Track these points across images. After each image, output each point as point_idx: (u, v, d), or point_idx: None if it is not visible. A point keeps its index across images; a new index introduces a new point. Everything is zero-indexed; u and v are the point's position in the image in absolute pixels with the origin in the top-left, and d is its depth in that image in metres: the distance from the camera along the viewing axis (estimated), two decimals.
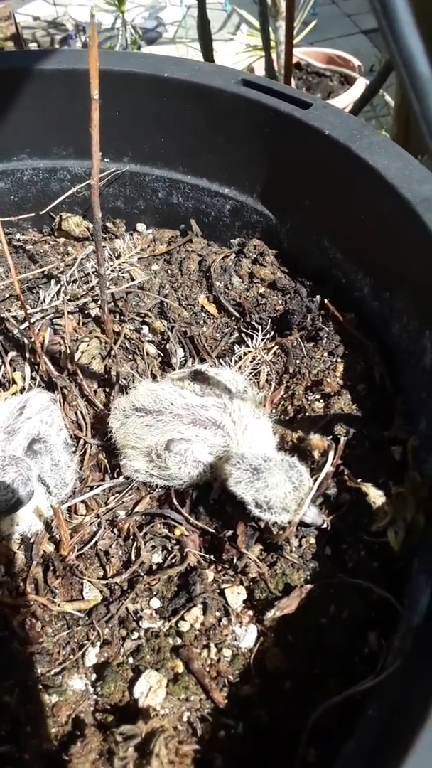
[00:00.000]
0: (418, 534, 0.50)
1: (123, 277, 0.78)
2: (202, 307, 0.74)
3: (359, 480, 0.53)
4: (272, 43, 2.86)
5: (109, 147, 0.77)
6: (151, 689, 0.48)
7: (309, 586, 0.51)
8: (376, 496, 0.51)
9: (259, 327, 0.69)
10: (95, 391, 0.70)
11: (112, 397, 0.68)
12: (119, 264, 0.79)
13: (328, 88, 3.79)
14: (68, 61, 0.77)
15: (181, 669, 0.49)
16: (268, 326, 0.69)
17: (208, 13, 2.16)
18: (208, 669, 0.49)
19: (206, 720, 0.47)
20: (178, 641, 0.51)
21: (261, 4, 2.35)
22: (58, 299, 0.75)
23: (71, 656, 0.51)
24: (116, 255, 0.80)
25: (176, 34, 6.08)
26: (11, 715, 0.47)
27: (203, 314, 0.74)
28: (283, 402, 0.64)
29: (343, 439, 0.56)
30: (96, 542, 0.59)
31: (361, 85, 3.57)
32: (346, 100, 3.49)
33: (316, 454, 0.54)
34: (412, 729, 0.33)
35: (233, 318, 0.73)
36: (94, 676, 0.50)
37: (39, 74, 0.76)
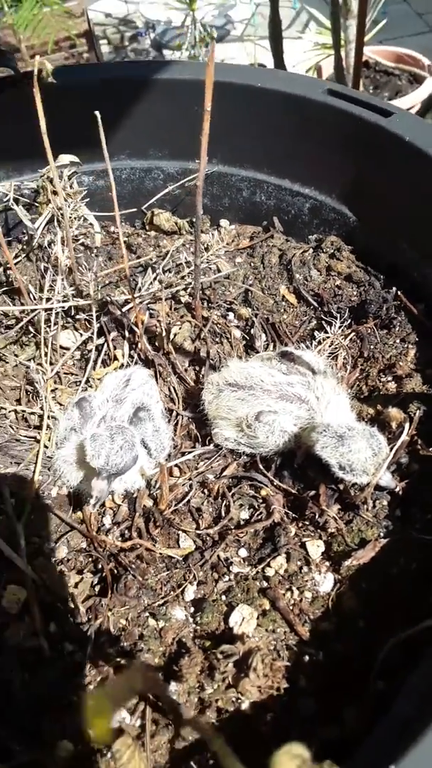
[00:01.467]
0: None
1: (210, 268, 0.86)
2: (283, 296, 0.82)
3: (430, 450, 0.59)
4: (342, 42, 2.88)
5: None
6: (244, 620, 0.56)
7: (382, 541, 0.58)
8: None
9: (337, 315, 0.77)
10: (186, 369, 0.78)
11: (202, 375, 0.76)
12: (207, 257, 0.86)
13: (396, 87, 3.79)
14: (169, 72, 0.85)
15: (268, 606, 0.57)
16: (345, 315, 0.77)
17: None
18: (291, 607, 0.57)
19: (291, 648, 0.54)
20: (265, 584, 0.59)
21: (333, 3, 2.39)
22: (153, 286, 0.84)
23: (172, 592, 0.59)
24: (205, 248, 0.88)
25: (245, 32, 6.11)
26: (129, 633, 0.56)
27: (284, 303, 0.81)
28: (358, 383, 0.71)
29: (417, 413, 0.63)
30: (189, 500, 0.67)
31: (430, 84, 3.56)
32: (414, 99, 3.49)
33: (393, 425, 0.62)
34: None
35: (312, 307, 0.80)
36: (192, 609, 0.58)
37: (142, 83, 0.85)
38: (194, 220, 0.89)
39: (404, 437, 0.59)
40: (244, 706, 0.51)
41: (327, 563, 0.59)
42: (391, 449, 0.59)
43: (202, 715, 0.51)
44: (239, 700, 0.51)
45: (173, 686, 0.51)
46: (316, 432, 0.60)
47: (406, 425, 0.60)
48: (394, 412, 0.62)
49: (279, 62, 2.13)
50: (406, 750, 0.36)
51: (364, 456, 0.57)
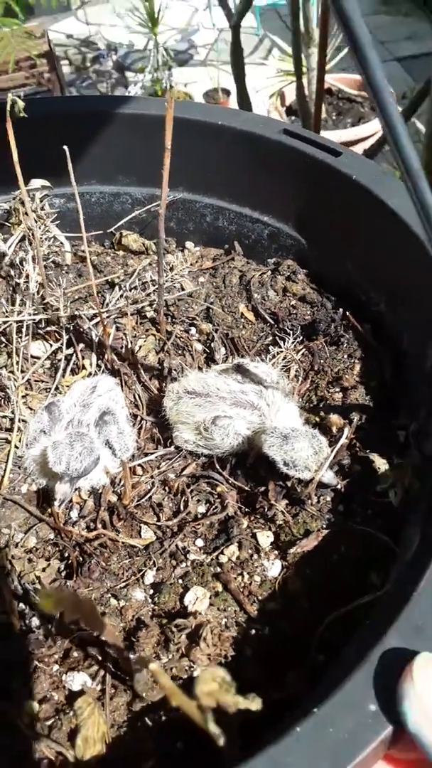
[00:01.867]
0: (413, 495, 0.64)
1: (175, 286, 0.92)
2: (242, 314, 0.89)
3: (367, 451, 0.67)
4: (304, 69, 3.01)
5: (169, 179, 0.92)
6: (197, 599, 0.61)
7: (324, 531, 0.65)
8: (380, 464, 0.65)
9: (290, 332, 0.84)
10: (150, 379, 0.84)
11: (164, 384, 0.82)
12: (172, 276, 0.93)
13: (358, 113, 3.95)
14: (135, 107, 0.92)
15: (220, 588, 0.63)
16: (298, 332, 0.84)
17: (241, 37, 2.28)
18: (242, 589, 0.63)
19: (240, 624, 0.60)
20: (218, 570, 0.65)
21: (294, 32, 2.49)
22: (120, 302, 0.90)
23: (133, 576, 0.65)
24: (170, 268, 0.94)
25: (207, 57, 6.28)
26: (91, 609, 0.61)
27: (243, 320, 0.88)
28: (308, 393, 0.78)
29: (356, 419, 0.70)
30: (150, 496, 0.73)
31: None
32: (376, 126, 3.65)
33: (334, 429, 0.69)
34: (386, 626, 0.46)
35: (268, 324, 0.87)
36: (151, 591, 0.64)
37: (109, 116, 0.92)
38: (158, 241, 0.97)
39: (343, 440, 0.66)
40: (196, 673, 0.57)
41: (275, 551, 0.65)
42: (332, 450, 0.65)
43: (157, 681, 0.56)
44: (191, 668, 0.57)
45: (132, 656, 0.57)
46: (265, 434, 0.67)
47: (346, 430, 0.67)
48: (335, 418, 0.69)
49: (241, 89, 2.22)
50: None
51: (306, 454, 0.64)
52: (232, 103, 5.03)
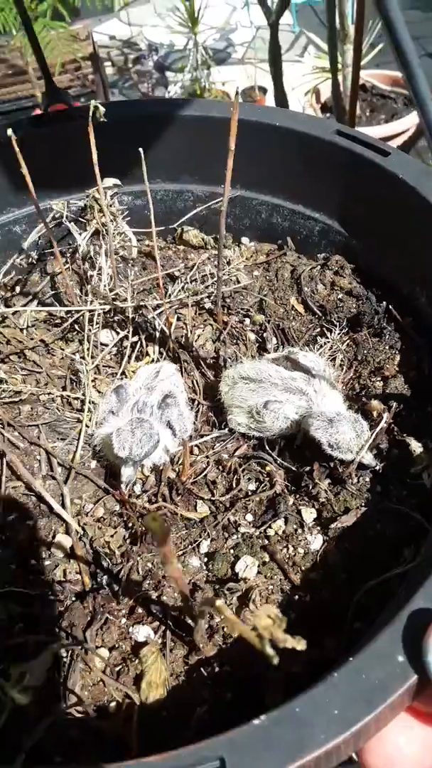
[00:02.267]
0: None
1: (231, 279, 0.99)
2: (293, 306, 0.95)
3: (405, 435, 0.72)
4: (339, 66, 3.01)
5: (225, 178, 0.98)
6: (247, 567, 0.69)
7: (363, 509, 0.71)
8: (416, 447, 0.70)
9: (337, 324, 0.89)
10: (207, 366, 0.91)
11: (220, 371, 0.89)
12: (228, 269, 1.00)
13: (392, 109, 3.92)
14: (199, 109, 0.98)
15: (267, 559, 0.70)
16: (344, 323, 0.90)
17: None
18: (287, 560, 0.70)
19: (284, 591, 0.67)
20: (266, 542, 0.72)
21: (330, 28, 2.50)
22: (181, 294, 0.97)
23: (190, 546, 0.73)
24: (227, 262, 1.01)
25: (245, 55, 6.27)
26: (154, 575, 0.69)
27: (293, 312, 0.94)
28: (352, 381, 0.84)
29: (394, 406, 0.75)
30: (206, 474, 0.80)
31: None
32: (409, 122, 3.62)
33: (374, 414, 0.75)
34: (414, 591, 0.52)
35: (317, 316, 0.93)
36: (206, 559, 0.72)
37: (175, 119, 0.99)
38: (218, 237, 1.03)
39: (382, 425, 0.72)
40: None
41: (318, 527, 0.72)
42: (372, 434, 0.72)
43: (211, 638, 0.64)
44: None
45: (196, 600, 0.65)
46: (311, 417, 0.73)
47: (385, 415, 0.73)
48: (375, 404, 0.75)
49: (278, 87, 2.25)
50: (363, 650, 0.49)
51: (349, 436, 0.70)
52: (269, 100, 5.03)
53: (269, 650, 0.40)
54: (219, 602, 0.43)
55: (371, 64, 4.19)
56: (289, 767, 0.45)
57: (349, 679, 0.48)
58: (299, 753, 0.45)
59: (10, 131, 0.74)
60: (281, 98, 2.30)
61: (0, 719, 0.55)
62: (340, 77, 2.98)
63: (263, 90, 5.25)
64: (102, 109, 0.81)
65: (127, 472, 0.77)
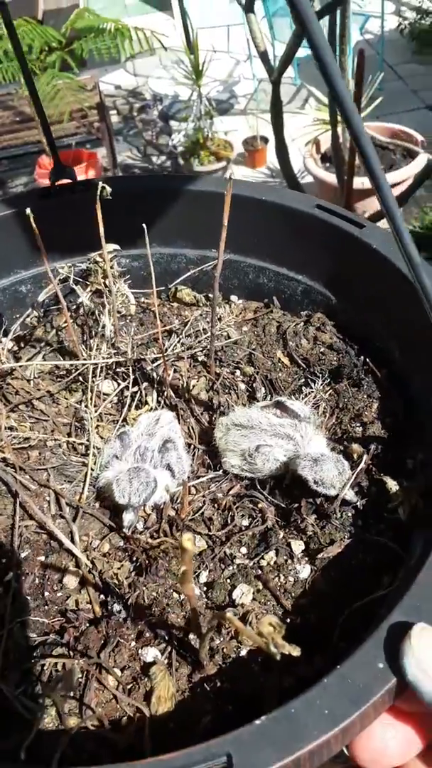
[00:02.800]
0: (418, 512, 0.78)
1: (222, 334, 1.09)
2: (279, 359, 1.04)
3: (383, 475, 0.81)
4: (339, 118, 3.20)
5: (216, 243, 1.09)
6: (243, 594, 0.76)
7: (346, 540, 0.79)
8: (392, 485, 0.79)
9: (320, 375, 0.99)
10: (201, 413, 1.00)
11: (214, 418, 0.98)
12: (220, 325, 1.09)
13: (391, 160, 4.13)
14: (193, 184, 1.09)
15: (261, 587, 0.78)
16: (326, 375, 0.99)
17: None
18: (278, 588, 0.77)
19: (277, 615, 0.75)
20: (259, 572, 0.79)
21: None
22: (177, 348, 1.07)
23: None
24: (218, 318, 1.11)
25: (248, 106, 6.55)
26: (159, 602, 0.76)
27: (280, 364, 1.04)
28: (334, 426, 0.93)
29: (372, 448, 0.84)
30: (203, 512, 0.88)
31: (422, 159, 3.88)
32: (407, 173, 3.82)
33: (355, 456, 0.83)
34: (391, 608, 0.60)
35: (301, 368, 1.02)
36: (205, 588, 0.79)
37: (171, 192, 1.09)
38: (210, 295, 1.13)
39: (362, 465, 0.81)
40: (243, 652, 0.71)
41: (306, 557, 0.80)
42: (353, 473, 0.80)
43: (212, 658, 0.71)
44: (239, 648, 0.72)
45: (191, 636, 0.72)
46: (299, 458, 0.82)
47: (364, 457, 0.82)
48: (355, 447, 0.84)
49: (279, 138, 2.41)
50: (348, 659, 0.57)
51: (332, 474, 0.79)
52: (270, 150, 5.26)
53: (272, 649, 0.48)
54: (229, 614, 0.51)
55: (371, 117, 4.42)
56: (287, 759, 0.52)
57: (337, 684, 0.55)
58: (295, 747, 0.52)
59: (28, 210, 0.84)
60: (282, 149, 2.44)
61: (31, 734, 0.62)
62: (339, 129, 3.17)
63: (264, 139, 5.47)
64: (108, 188, 0.91)
65: (128, 518, 0.84)
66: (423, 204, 4.21)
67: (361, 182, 3.78)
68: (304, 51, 5.36)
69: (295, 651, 0.53)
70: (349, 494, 0.80)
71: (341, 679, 0.56)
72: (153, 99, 6.60)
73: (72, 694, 0.69)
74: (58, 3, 6.81)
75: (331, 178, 3.33)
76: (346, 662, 0.57)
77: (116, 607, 0.75)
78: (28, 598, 0.78)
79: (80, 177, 1.18)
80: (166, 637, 0.73)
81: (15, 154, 5.85)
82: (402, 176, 3.74)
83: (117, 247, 1.11)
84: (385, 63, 6.40)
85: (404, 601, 0.60)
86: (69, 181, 1.08)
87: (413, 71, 6.58)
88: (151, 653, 0.71)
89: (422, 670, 0.55)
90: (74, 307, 1.12)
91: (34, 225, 0.86)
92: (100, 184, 0.89)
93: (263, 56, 2.22)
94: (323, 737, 0.53)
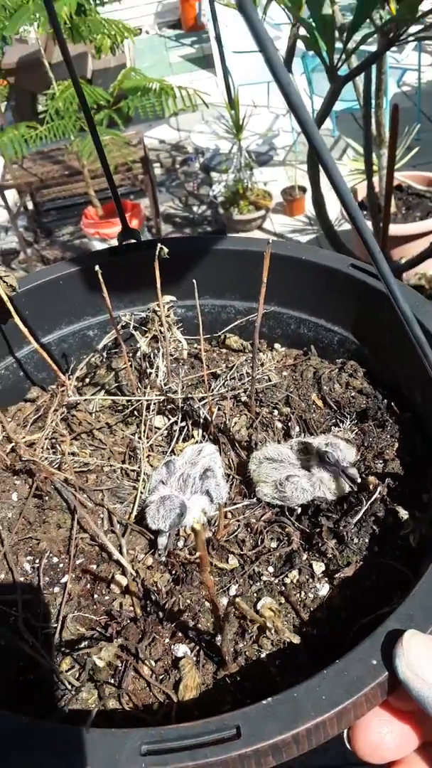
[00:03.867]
0: (428, 540, 0.87)
1: (264, 378, 1.20)
2: (313, 401, 1.15)
3: (396, 505, 0.90)
4: (375, 168, 3.34)
5: (264, 296, 1.22)
6: (264, 605, 0.86)
7: (361, 563, 0.88)
8: (404, 514, 0.88)
9: (348, 416, 1.09)
10: (241, 448, 1.11)
11: (252, 452, 1.09)
12: (262, 370, 1.21)
13: (427, 208, 4.23)
14: (240, 244, 1.23)
15: (283, 601, 0.87)
16: (354, 416, 1.09)
17: None
18: (299, 603, 0.87)
19: (296, 626, 0.84)
20: (283, 588, 0.89)
21: (366, 136, 2.81)
22: (222, 389, 1.19)
23: (221, 589, 0.90)
24: (261, 363, 1.23)
25: (286, 157, 6.76)
26: (192, 609, 0.87)
27: (314, 406, 1.14)
28: (358, 462, 1.03)
29: (390, 482, 0.94)
30: (237, 534, 0.98)
31: None
32: None
33: (371, 487, 0.93)
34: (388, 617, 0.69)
35: (333, 410, 1.13)
36: (234, 599, 0.89)
37: (220, 251, 1.23)
38: (253, 344, 1.25)
39: (376, 495, 0.90)
40: (263, 655, 0.81)
41: (325, 577, 0.89)
42: (368, 503, 0.90)
43: (236, 659, 0.81)
44: (260, 651, 0.81)
45: (218, 638, 0.82)
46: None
47: (379, 488, 0.91)
48: (372, 479, 0.93)
49: (316, 189, 2.54)
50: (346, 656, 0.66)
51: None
52: (308, 199, 5.44)
53: (269, 625, 0.58)
54: (239, 599, 0.61)
55: (407, 166, 4.56)
56: (287, 734, 0.61)
57: (335, 675, 0.65)
58: (294, 723, 0.62)
59: (96, 267, 0.99)
60: (319, 199, 2.58)
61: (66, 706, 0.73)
62: (375, 179, 3.30)
63: (303, 189, 5.67)
64: (166, 249, 1.06)
65: (161, 541, 0.95)
66: None
67: (397, 229, 3.89)
68: (341, 104, 5.58)
69: (295, 639, 0.62)
70: (351, 470, 0.91)
71: (339, 671, 0.65)
72: (195, 152, 6.92)
73: (112, 680, 0.79)
74: (107, 63, 7.26)
75: (368, 225, 3.44)
76: (344, 658, 0.66)
77: (154, 609, 0.86)
78: (80, 598, 0.90)
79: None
80: (196, 638, 0.83)
81: (63, 205, 6.26)
82: None
83: (173, 298, 1.25)
84: (422, 114, 6.56)
85: (399, 611, 0.69)
86: (134, 240, 1.23)
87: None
88: (181, 649, 0.82)
89: (412, 671, 0.63)
90: (133, 351, 1.26)
91: (101, 279, 1.01)
92: (159, 245, 1.04)
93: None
94: (319, 718, 0.62)
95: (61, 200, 6.26)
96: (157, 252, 1.03)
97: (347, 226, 4.48)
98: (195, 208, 6.41)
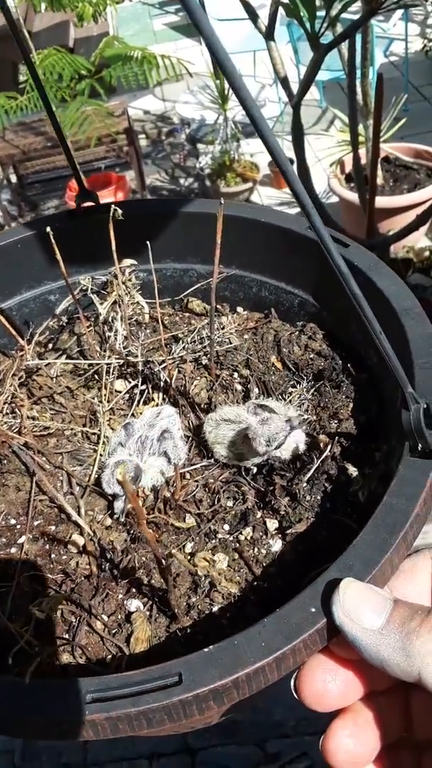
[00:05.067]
0: (375, 495, 0.88)
1: (224, 341, 1.21)
2: (273, 363, 1.16)
3: (346, 463, 0.92)
4: (362, 139, 3.32)
5: (224, 259, 1.21)
6: (219, 560, 0.87)
7: (313, 519, 0.90)
8: (353, 471, 0.90)
9: (305, 378, 1.10)
10: (201, 410, 1.12)
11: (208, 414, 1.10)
12: (223, 333, 1.22)
13: (414, 180, 4.23)
14: (200, 207, 1.23)
15: (236, 557, 0.89)
16: (311, 378, 1.10)
17: (304, 109, 2.60)
18: (252, 558, 0.89)
19: (248, 580, 0.86)
20: (237, 545, 0.91)
21: (351, 106, 2.79)
22: (182, 352, 1.19)
23: (176, 546, 0.92)
24: (222, 327, 1.23)
25: (273, 128, 6.71)
26: (147, 566, 0.88)
27: (273, 368, 1.15)
28: (314, 423, 1.04)
29: (343, 441, 0.95)
30: (194, 494, 1.00)
31: None
32: (431, 192, 3.90)
33: (321, 445, 0.94)
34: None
35: (291, 371, 1.14)
36: (189, 557, 0.91)
37: (182, 214, 1.23)
38: (218, 306, 1.26)
39: (327, 453, 0.92)
40: (215, 609, 0.83)
41: (278, 534, 0.91)
42: (318, 460, 0.91)
43: (188, 613, 0.83)
44: (212, 605, 0.83)
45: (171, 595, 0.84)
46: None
47: (329, 446, 0.93)
48: (322, 437, 0.95)
49: (301, 161, 2.53)
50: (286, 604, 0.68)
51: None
52: (296, 171, 5.41)
53: (200, 574, 0.59)
54: (174, 551, 0.63)
55: (395, 137, 4.54)
56: (227, 679, 0.63)
57: (274, 623, 0.67)
58: (234, 669, 0.64)
59: (48, 228, 0.98)
60: (303, 171, 2.57)
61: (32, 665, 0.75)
62: (363, 151, 3.28)
63: (291, 161, 5.64)
64: (120, 211, 1.05)
65: (117, 505, 0.97)
66: None
67: (385, 202, 3.89)
68: (328, 74, 5.52)
69: (233, 587, 0.64)
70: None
71: (279, 619, 0.67)
72: (181, 123, 6.83)
73: (66, 635, 0.81)
74: (89, 31, 7.12)
75: (355, 197, 3.45)
76: (285, 607, 0.68)
77: (108, 566, 0.88)
78: (37, 558, 0.92)
79: (110, 199, 1.34)
80: (149, 594, 0.85)
81: (47, 178, 6.16)
82: (426, 195, 3.83)
83: (134, 261, 1.25)
84: (410, 84, 6.51)
85: (340, 561, 0.71)
86: (92, 203, 1.22)
87: None
88: (134, 604, 0.84)
89: (347, 617, 0.65)
90: (95, 315, 1.26)
91: (54, 243, 1.01)
92: (113, 207, 1.03)
93: (284, 82, 2.36)
94: (258, 663, 0.64)
95: (45, 173, 6.15)
96: (111, 214, 1.03)
97: (335, 199, 4.47)
98: (182, 181, 6.34)
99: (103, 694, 0.64)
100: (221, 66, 0.51)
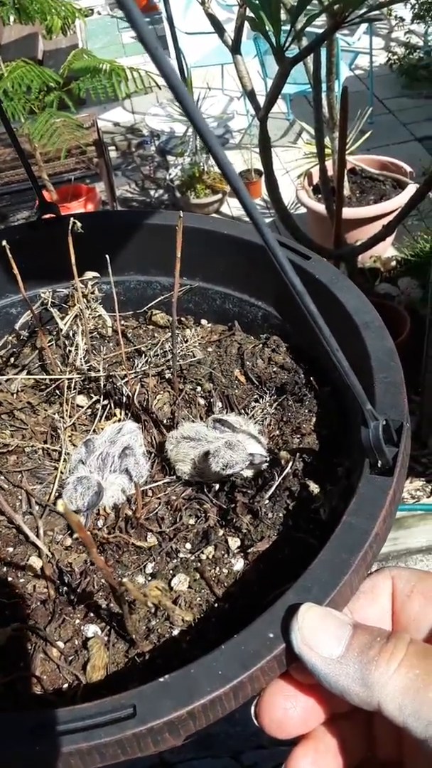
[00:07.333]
0: (338, 512, 0.87)
1: (188, 354, 1.20)
2: (236, 377, 1.15)
3: (308, 479, 0.91)
4: (329, 151, 3.34)
5: (188, 272, 1.20)
6: (180, 582, 0.86)
7: (275, 537, 0.89)
8: (314, 488, 0.89)
9: (268, 392, 1.09)
10: (164, 425, 1.11)
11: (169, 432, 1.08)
12: (186, 346, 1.21)
13: (380, 191, 4.27)
14: (162, 219, 1.21)
15: (198, 577, 0.88)
16: (274, 391, 1.09)
17: (272, 122, 2.59)
18: (213, 578, 0.87)
19: (209, 602, 0.85)
20: (198, 564, 0.89)
21: (317, 120, 2.80)
22: (145, 366, 1.18)
23: (137, 567, 0.90)
24: (185, 340, 1.22)
25: (242, 140, 6.77)
26: (106, 589, 0.86)
27: (237, 382, 1.14)
28: (276, 438, 1.03)
29: (305, 456, 0.94)
30: (156, 512, 0.98)
31: (411, 190, 4.04)
32: (396, 203, 3.96)
33: (283, 462, 0.93)
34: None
35: (255, 385, 1.13)
36: (150, 577, 0.89)
37: (144, 226, 1.21)
38: (182, 318, 1.24)
39: (288, 470, 0.91)
40: (175, 632, 0.81)
41: (240, 552, 0.90)
42: (280, 477, 0.90)
43: (148, 637, 0.81)
44: (172, 628, 0.81)
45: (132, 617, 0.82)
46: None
47: (291, 462, 0.92)
48: (283, 454, 0.94)
49: (269, 172, 2.53)
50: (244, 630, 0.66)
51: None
52: (264, 183, 5.45)
53: (149, 604, 0.58)
54: (125, 580, 0.61)
55: (361, 149, 4.58)
56: (182, 710, 0.62)
57: (232, 650, 0.65)
58: (189, 700, 0.62)
59: (4, 242, 0.96)
60: (271, 182, 2.57)
61: None
62: (329, 162, 3.29)
63: (259, 172, 5.70)
64: (79, 223, 1.04)
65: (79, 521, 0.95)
66: (414, 233, 4.32)
67: (352, 213, 3.92)
68: (294, 88, 5.56)
69: (188, 615, 0.63)
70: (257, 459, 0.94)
71: (236, 646, 0.65)
72: (150, 135, 6.83)
73: (21, 664, 0.79)
74: (58, 44, 7.12)
75: (322, 208, 3.46)
76: (242, 633, 0.67)
77: (66, 590, 0.86)
78: None
79: (80, 210, 1.31)
80: (107, 618, 0.83)
81: (16, 189, 6.11)
82: (392, 206, 3.86)
83: (96, 274, 1.23)
84: (375, 97, 6.59)
85: (298, 584, 0.70)
86: (53, 215, 1.20)
87: (402, 105, 6.80)
88: (92, 629, 0.82)
89: (306, 644, 0.64)
90: (57, 329, 1.24)
91: (10, 256, 0.98)
92: (71, 219, 1.01)
93: (251, 95, 2.35)
94: (215, 693, 0.63)
95: (14, 184, 6.10)
96: (70, 226, 1.01)
97: (302, 210, 4.48)
98: (152, 192, 6.34)
99: (53, 729, 0.62)
100: (165, 78, 0.49)
